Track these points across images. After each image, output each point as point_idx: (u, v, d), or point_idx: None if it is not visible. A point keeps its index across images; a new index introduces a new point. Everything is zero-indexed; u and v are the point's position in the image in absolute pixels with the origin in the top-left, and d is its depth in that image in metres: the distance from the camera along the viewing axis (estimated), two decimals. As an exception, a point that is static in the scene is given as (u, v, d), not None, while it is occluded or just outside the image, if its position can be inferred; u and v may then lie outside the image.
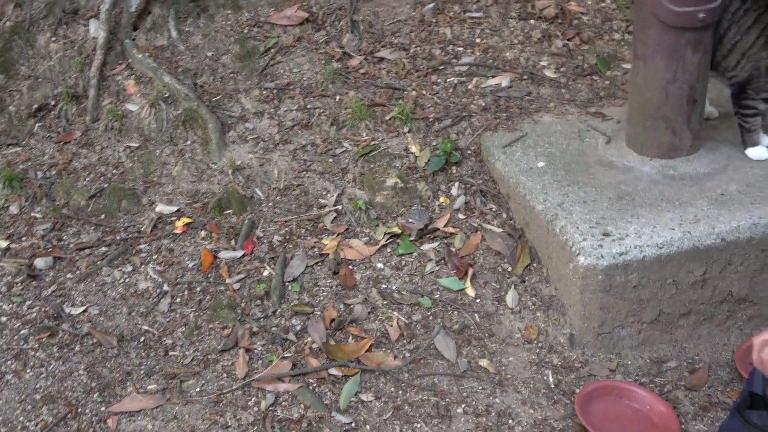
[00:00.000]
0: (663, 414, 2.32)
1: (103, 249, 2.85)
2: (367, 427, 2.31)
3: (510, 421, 2.32)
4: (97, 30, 3.32)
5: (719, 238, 2.47)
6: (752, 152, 2.76)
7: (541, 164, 2.84)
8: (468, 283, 2.70)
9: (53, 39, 3.32)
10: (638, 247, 2.44)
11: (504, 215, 2.87)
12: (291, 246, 2.83)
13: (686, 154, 2.78)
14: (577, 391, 2.38)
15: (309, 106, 3.23)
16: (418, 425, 2.31)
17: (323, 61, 3.39)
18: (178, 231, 2.89)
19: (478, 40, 3.48)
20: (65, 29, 3.34)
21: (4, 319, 2.62)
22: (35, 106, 3.23)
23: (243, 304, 2.66)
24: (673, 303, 2.53)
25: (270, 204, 2.96)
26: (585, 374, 2.48)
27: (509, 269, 2.74)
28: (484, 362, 2.50)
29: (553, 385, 2.44)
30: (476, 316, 2.63)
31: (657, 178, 2.72)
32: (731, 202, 2.58)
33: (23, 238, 2.88)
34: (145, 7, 3.42)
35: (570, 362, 2.51)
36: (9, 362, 2.49)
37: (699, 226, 2.49)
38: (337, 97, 3.26)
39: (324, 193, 2.99)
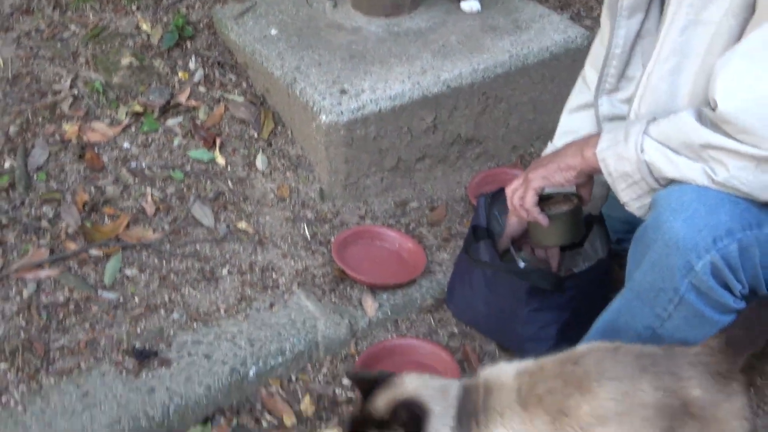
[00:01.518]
0: (411, 249, 2.47)
1: None
2: (136, 299, 2.30)
3: (274, 275, 2.40)
4: None
5: (445, 85, 2.62)
6: (465, 5, 2.92)
7: (274, 32, 2.85)
8: (217, 153, 2.71)
9: None
10: (374, 101, 2.54)
11: (244, 84, 2.88)
12: (30, 135, 2.69)
13: (408, 12, 2.87)
14: (332, 239, 2.49)
15: (28, -11, 3.03)
16: (186, 291, 2.34)
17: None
18: None
19: None
20: None
21: None
22: None
23: (-12, 198, 2.52)
24: (410, 149, 2.67)
25: (1, 94, 2.78)
26: (338, 223, 2.59)
27: (255, 135, 2.77)
28: (242, 224, 2.54)
29: (309, 237, 2.53)
30: (229, 182, 2.65)
31: (384, 36, 2.81)
32: (453, 53, 2.72)
33: None
34: None
35: (323, 214, 2.61)
36: None
37: (426, 77, 2.62)
38: (56, -22, 3.07)
39: (57, 78, 2.84)
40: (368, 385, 1.70)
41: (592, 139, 1.78)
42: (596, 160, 1.74)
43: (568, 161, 1.82)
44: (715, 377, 1.54)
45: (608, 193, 2.06)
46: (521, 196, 1.91)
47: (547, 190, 1.92)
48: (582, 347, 1.67)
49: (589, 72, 2.13)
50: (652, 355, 1.59)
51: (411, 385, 1.66)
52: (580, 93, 2.15)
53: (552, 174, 1.84)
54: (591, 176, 1.86)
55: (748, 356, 1.58)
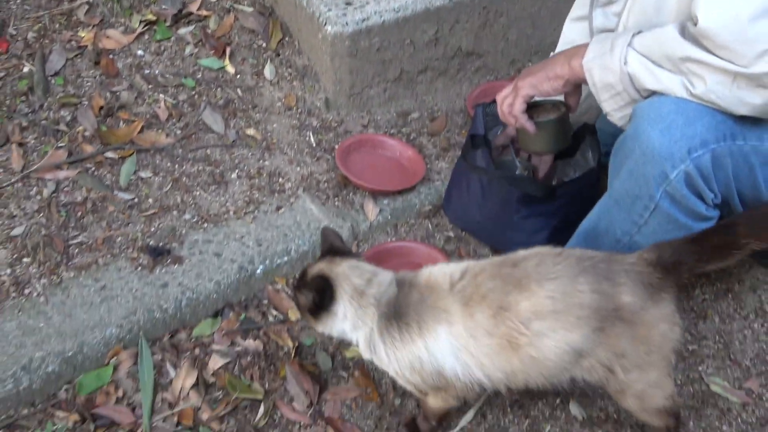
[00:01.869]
0: (411, 157, 2.54)
1: None
2: (150, 200, 2.39)
3: (280, 179, 2.48)
4: None
5: (447, -1, 2.63)
6: None
7: (282, -58, 2.87)
8: (227, 62, 2.76)
9: None
10: (378, 13, 2.55)
11: (252, -6, 2.91)
12: (47, 41, 2.74)
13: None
14: (336, 146, 2.55)
15: None
16: (198, 193, 2.43)
17: None
18: None
19: None
20: None
21: None
22: None
23: (8, 102, 2.58)
24: (412, 61, 2.69)
25: (17, 1, 2.83)
26: (341, 132, 2.65)
27: (264, 45, 2.81)
28: (250, 131, 2.62)
29: (315, 144, 2.60)
30: (238, 90, 2.71)
31: (390, -52, 2.81)
32: (456, -35, 2.72)
33: None
34: None
35: (327, 123, 2.68)
36: None
37: (429, -12, 2.63)
38: None
39: (72, -14, 2.88)
40: (327, 250, 1.82)
41: (580, 49, 1.81)
42: (582, 70, 1.78)
43: (556, 70, 1.85)
44: (646, 286, 1.60)
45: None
46: (510, 104, 1.94)
47: (537, 99, 1.96)
48: (523, 251, 1.71)
49: None
50: (591, 260, 1.64)
51: (341, 266, 1.76)
52: (580, 3, 2.15)
53: (541, 82, 1.87)
54: (578, 86, 1.90)
55: (686, 271, 1.64)
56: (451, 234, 2.42)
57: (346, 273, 1.74)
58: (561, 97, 1.99)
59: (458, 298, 1.67)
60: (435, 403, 1.85)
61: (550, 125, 1.99)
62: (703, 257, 1.62)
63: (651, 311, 1.61)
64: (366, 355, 1.79)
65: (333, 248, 1.82)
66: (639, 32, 1.71)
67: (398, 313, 1.71)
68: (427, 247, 2.34)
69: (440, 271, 1.75)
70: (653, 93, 1.70)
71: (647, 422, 1.83)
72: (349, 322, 1.75)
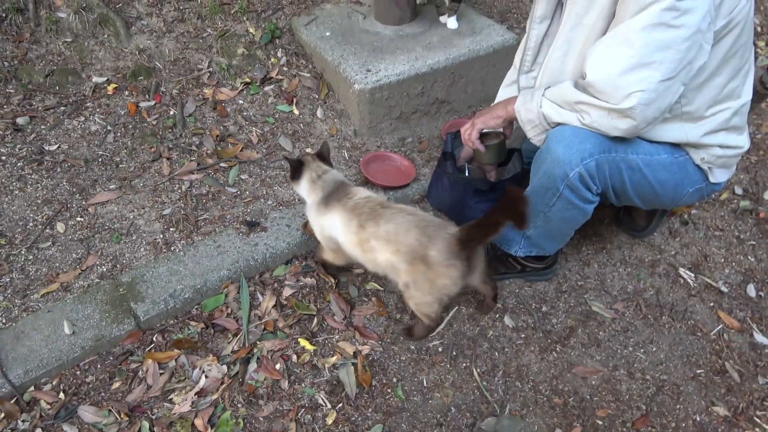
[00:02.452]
0: (407, 166, 2.46)
1: (62, 108, 2.57)
2: (247, 192, 2.33)
3: (326, 179, 2.41)
4: (23, -39, 2.82)
5: (429, 68, 2.56)
6: (444, 19, 2.82)
7: (328, 34, 2.79)
8: (294, 107, 2.68)
9: (-8, -31, 2.80)
10: (387, 76, 2.49)
11: (310, 66, 2.82)
12: (184, 95, 2.68)
13: (408, 22, 2.79)
14: (360, 159, 2.48)
15: (181, 8, 2.94)
16: (277, 188, 2.36)
17: (185, -23, 3.07)
18: (110, 92, 2.65)
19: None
20: (0, -39, 2.82)
21: (3, 157, 2.37)
22: (-10, 18, 2.76)
23: (160, 133, 2.52)
24: (408, 106, 2.62)
25: (167, 71, 2.75)
26: (364, 150, 2.57)
27: (317, 96, 2.73)
28: (308, 150, 2.54)
29: (347, 158, 2.53)
30: (301, 125, 2.64)
31: (393, 37, 2.74)
32: (434, 48, 2.65)
33: (4, 106, 2.55)
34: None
35: (355, 144, 2.60)
36: (14, 183, 2.29)
37: (418, 62, 2.56)
38: (198, 1, 2.98)
39: (200, 61, 2.80)
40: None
41: (512, 100, 1.75)
42: (514, 112, 1.72)
43: (498, 112, 1.79)
44: (449, 251, 1.60)
45: (524, 135, 2.04)
46: (469, 133, 1.87)
47: (485, 130, 1.89)
48: (399, 205, 1.72)
49: (516, 60, 2.05)
50: (428, 222, 1.65)
51: (313, 162, 1.87)
52: (510, 74, 2.08)
53: (488, 120, 1.81)
54: (512, 122, 1.83)
55: (476, 243, 1.62)
56: (431, 212, 2.34)
57: (312, 166, 1.86)
58: (501, 129, 1.90)
59: (351, 208, 1.74)
60: (330, 257, 1.92)
61: (494, 147, 1.93)
62: (484, 234, 1.58)
63: (442, 266, 1.60)
64: (308, 214, 1.87)
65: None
66: (548, 87, 1.64)
67: (326, 198, 1.80)
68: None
69: (360, 192, 1.79)
70: (558, 124, 1.63)
71: (418, 316, 1.85)
72: (305, 192, 1.86)
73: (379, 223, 1.66)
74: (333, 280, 2.03)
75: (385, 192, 2.35)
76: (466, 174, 2.19)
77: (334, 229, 1.76)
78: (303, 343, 1.88)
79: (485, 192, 2.10)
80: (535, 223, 1.81)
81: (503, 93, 2.08)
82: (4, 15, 2.78)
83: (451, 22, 2.78)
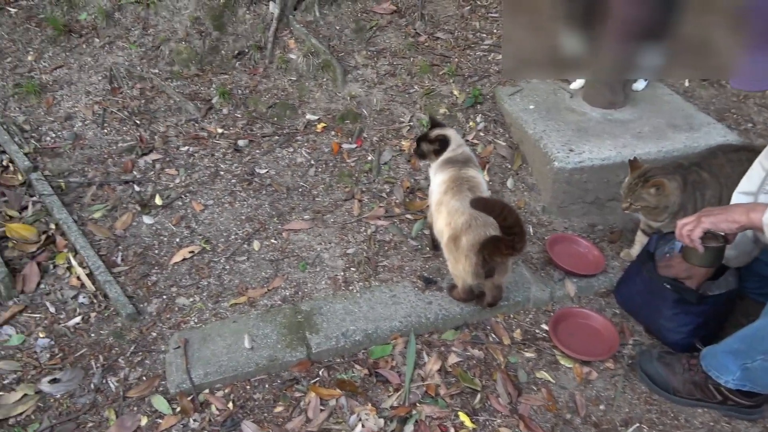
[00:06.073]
0: (596, 254, 2.31)
1: (276, 137, 2.80)
2: (428, 248, 2.30)
3: (508, 251, 2.32)
4: (273, 8, 3.15)
5: (637, 157, 2.40)
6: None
7: (531, 107, 2.76)
8: (485, 173, 2.65)
9: (247, 12, 3.17)
10: (590, 159, 2.38)
11: (507, 135, 2.80)
12: (383, 144, 2.78)
13: (619, 107, 2.69)
14: (546, 238, 2.38)
15: (394, 63, 3.11)
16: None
17: (403, 37, 3.25)
18: (318, 130, 2.84)
19: (495, 30, 3.32)
20: (254, 6, 3.18)
21: (222, 172, 2.61)
22: (236, 52, 3.11)
23: (356, 175, 2.63)
24: (605, 192, 2.48)
25: (371, 119, 2.89)
26: (550, 229, 2.46)
27: (509, 166, 2.69)
28: (493, 218, 2.49)
29: (532, 233, 2.43)
30: (490, 191, 2.60)
31: (601, 120, 2.64)
32: (645, 138, 2.51)
33: (230, 128, 2.84)
34: (300, -5, 3.27)
35: (542, 222, 2.50)
36: (227, 197, 2.50)
37: (626, 149, 2.43)
38: (411, 59, 3.13)
39: (402, 114, 2.91)
40: (433, 123, 2.15)
41: (758, 206, 1.55)
42: (760, 223, 1.52)
43: (735, 216, 1.59)
44: (474, 244, 1.81)
45: (748, 257, 1.81)
46: (690, 230, 1.67)
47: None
48: (475, 191, 1.90)
49: (757, 171, 1.82)
50: (480, 216, 1.80)
51: (451, 131, 2.09)
52: (748, 181, 1.84)
53: (720, 222, 1.61)
54: (744, 229, 1.61)
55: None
56: (617, 311, 2.15)
57: (456, 140, 2.06)
58: (722, 233, 1.70)
59: (454, 177, 1.95)
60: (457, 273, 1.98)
61: (714, 250, 1.73)
62: (489, 251, 1.78)
63: (462, 254, 1.85)
64: (430, 173, 2.06)
65: (435, 122, 2.13)
66: None
67: (451, 160, 2.01)
68: (601, 317, 2.08)
69: (469, 171, 1.96)
70: None
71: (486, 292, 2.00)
72: (441, 157, 2.04)
73: (454, 197, 1.87)
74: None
75: (568, 277, 2.21)
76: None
77: (438, 185, 1.96)
78: (463, 417, 1.78)
79: (688, 304, 1.87)
80: (765, 358, 1.56)
81: (738, 198, 1.87)
82: (246, 50, 3.13)
83: (639, 83, 2.76)
